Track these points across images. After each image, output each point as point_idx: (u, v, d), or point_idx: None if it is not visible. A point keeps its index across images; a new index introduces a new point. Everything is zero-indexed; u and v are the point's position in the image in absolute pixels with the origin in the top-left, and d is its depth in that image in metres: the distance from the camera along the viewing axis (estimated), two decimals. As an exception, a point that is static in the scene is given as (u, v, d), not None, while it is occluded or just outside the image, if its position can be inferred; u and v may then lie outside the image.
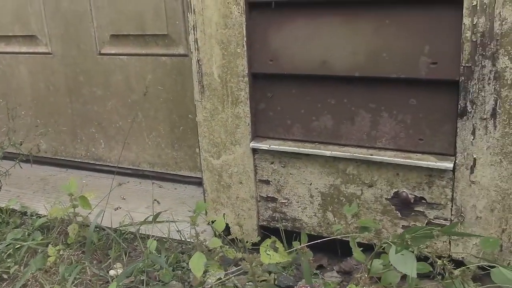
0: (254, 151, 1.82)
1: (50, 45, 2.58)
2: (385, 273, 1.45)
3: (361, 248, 1.57)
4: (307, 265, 1.48)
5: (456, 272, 1.19)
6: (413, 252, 1.27)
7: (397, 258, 1.26)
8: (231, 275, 1.54)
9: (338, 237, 1.67)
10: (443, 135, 1.55)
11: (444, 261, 1.21)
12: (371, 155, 1.63)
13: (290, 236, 1.86)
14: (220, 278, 1.43)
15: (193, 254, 1.54)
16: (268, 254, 1.36)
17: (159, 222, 2.05)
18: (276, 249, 1.36)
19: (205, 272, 1.72)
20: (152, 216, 1.95)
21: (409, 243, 1.25)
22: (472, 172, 1.51)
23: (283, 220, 1.86)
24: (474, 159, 1.50)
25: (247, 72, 1.75)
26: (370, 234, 1.60)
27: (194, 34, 1.78)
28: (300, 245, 1.57)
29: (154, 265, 1.85)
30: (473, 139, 1.49)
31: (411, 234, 1.26)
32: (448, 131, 1.54)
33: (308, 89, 1.71)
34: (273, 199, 1.85)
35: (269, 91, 1.77)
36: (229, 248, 1.67)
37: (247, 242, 1.55)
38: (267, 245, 1.38)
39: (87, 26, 2.45)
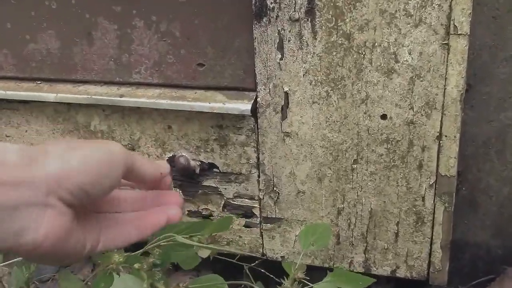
0: None
1: None
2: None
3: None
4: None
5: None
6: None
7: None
8: None
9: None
10: (235, 55, 0.89)
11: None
12: (122, 96, 0.93)
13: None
14: None
15: None
16: None
17: None
18: None
19: None
20: None
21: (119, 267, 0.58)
22: (284, 116, 0.88)
23: None
24: (286, 93, 0.86)
25: None
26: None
27: None
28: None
29: None
30: (280, 58, 0.84)
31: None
32: (243, 46, 0.88)
33: (12, -15, 0.97)
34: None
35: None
36: None
37: None
38: None
39: None
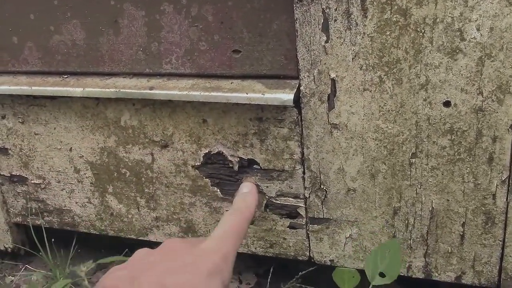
0: (-31, 98, 1.02)
1: None
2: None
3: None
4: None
5: None
6: None
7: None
8: None
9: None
10: (274, 39, 0.80)
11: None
12: (152, 88, 0.86)
13: (67, 238, 1.12)
14: None
15: None
16: None
17: None
18: None
19: None
20: None
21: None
22: (331, 106, 0.78)
23: (45, 213, 1.09)
24: (333, 80, 0.76)
25: None
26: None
27: None
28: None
29: None
30: (326, 41, 0.74)
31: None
32: (283, 29, 0.79)
33: (33, -27, 0.90)
34: (22, 179, 1.07)
35: (-27, -16, 0.95)
36: None
37: None
38: None
39: None
